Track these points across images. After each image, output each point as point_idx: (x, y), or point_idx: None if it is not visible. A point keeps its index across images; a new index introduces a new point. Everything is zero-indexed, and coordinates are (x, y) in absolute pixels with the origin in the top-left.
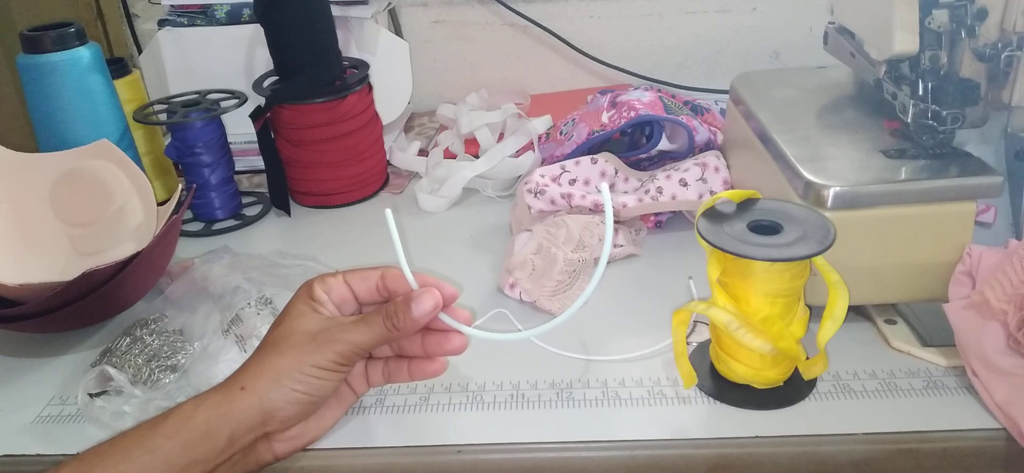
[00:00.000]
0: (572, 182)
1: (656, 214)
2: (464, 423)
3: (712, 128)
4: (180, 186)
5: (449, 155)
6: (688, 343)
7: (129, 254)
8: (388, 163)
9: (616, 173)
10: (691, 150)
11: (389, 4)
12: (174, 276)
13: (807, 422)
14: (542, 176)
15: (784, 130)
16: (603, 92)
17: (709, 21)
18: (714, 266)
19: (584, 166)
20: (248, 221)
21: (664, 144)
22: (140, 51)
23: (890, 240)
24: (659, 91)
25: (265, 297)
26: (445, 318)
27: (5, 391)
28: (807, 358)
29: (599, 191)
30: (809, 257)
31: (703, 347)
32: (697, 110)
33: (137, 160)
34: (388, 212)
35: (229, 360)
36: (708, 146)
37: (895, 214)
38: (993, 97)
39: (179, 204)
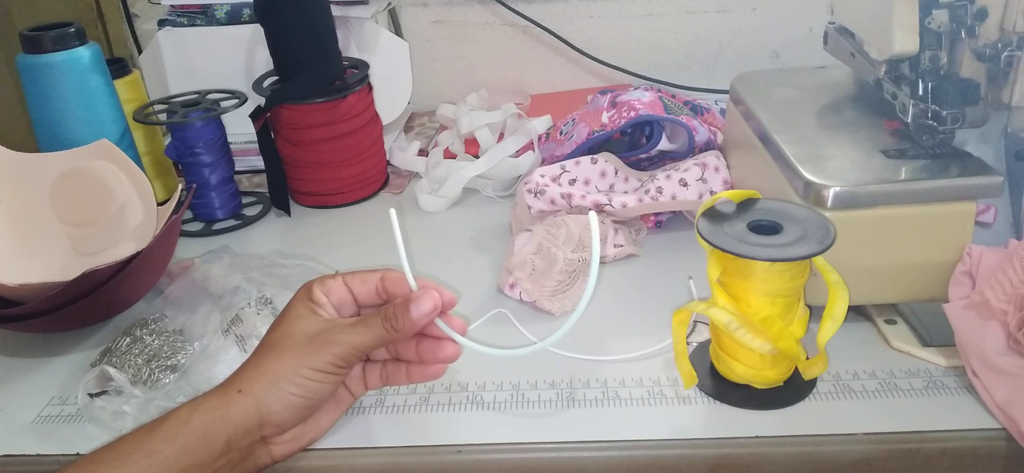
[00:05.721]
0: (572, 182)
1: (656, 214)
2: (464, 423)
3: (712, 128)
4: (180, 186)
5: (449, 155)
6: (688, 343)
7: (129, 254)
8: (388, 163)
9: (616, 173)
10: (691, 150)
11: (389, 4)
12: (174, 276)
13: (807, 422)
14: (542, 176)
15: (784, 130)
16: (603, 92)
17: (709, 21)
18: (714, 266)
19: (584, 166)
20: (248, 221)
21: (664, 144)
22: (140, 51)
23: (890, 240)
24: (659, 91)
25: (265, 297)
26: (440, 324)
27: (5, 391)
28: (807, 358)
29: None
30: (809, 257)
31: (703, 347)
32: (697, 110)
33: (137, 160)
34: (392, 212)
35: (229, 360)
36: (708, 146)
37: (895, 214)
38: (993, 97)
39: (179, 204)
